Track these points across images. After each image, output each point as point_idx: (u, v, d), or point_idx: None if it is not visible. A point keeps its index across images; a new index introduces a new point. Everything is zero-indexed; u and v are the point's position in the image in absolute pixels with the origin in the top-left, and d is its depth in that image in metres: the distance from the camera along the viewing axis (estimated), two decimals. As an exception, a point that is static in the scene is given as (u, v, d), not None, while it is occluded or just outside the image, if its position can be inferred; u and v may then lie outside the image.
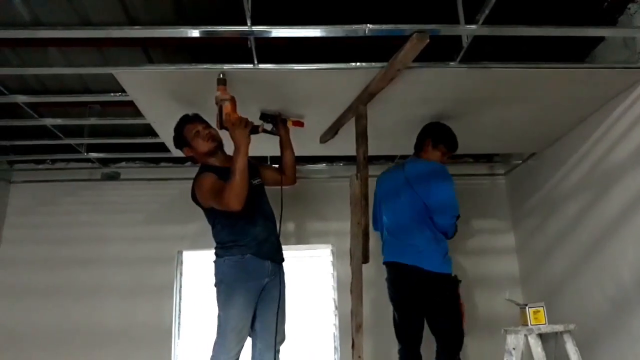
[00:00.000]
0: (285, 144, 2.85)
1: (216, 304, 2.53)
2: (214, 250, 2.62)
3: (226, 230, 2.57)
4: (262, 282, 2.56)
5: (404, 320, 2.89)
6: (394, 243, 2.91)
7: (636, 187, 2.66)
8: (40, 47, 2.79)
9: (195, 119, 2.65)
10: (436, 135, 2.95)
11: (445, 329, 2.79)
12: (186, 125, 2.60)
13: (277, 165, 2.95)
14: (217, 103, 2.40)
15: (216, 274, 2.57)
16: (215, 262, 2.59)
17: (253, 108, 2.79)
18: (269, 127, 2.77)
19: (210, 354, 2.47)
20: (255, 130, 2.49)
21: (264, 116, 2.80)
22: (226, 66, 2.40)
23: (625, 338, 2.74)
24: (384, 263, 2.97)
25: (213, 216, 2.58)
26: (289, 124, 2.83)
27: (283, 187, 2.74)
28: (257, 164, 2.75)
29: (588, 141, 3.10)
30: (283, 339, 2.65)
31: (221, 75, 2.37)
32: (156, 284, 3.96)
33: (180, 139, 2.63)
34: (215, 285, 2.56)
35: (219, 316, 2.51)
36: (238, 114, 2.38)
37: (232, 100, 2.38)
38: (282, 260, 2.70)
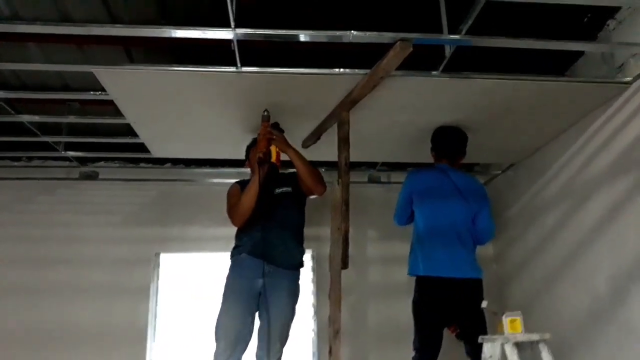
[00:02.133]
0: (287, 154, 2.77)
1: None
2: None
3: (237, 232, 2.81)
4: (255, 282, 2.56)
5: (436, 335, 2.80)
6: (444, 254, 2.79)
7: (612, 198, 2.70)
8: (19, 42, 2.74)
9: None
10: (466, 146, 3.04)
11: (481, 330, 2.72)
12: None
13: None
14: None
15: None
16: None
17: (237, 112, 2.77)
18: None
19: None
20: (259, 161, 2.66)
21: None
22: (208, 68, 2.38)
23: (600, 347, 2.77)
24: (432, 276, 2.78)
25: None
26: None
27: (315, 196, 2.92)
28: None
29: (567, 153, 3.14)
30: (278, 354, 2.61)
31: (265, 113, 2.61)
32: (133, 286, 3.89)
33: (246, 154, 2.97)
34: None
35: None
36: (259, 150, 2.63)
37: (265, 139, 2.64)
38: (286, 264, 2.70)
